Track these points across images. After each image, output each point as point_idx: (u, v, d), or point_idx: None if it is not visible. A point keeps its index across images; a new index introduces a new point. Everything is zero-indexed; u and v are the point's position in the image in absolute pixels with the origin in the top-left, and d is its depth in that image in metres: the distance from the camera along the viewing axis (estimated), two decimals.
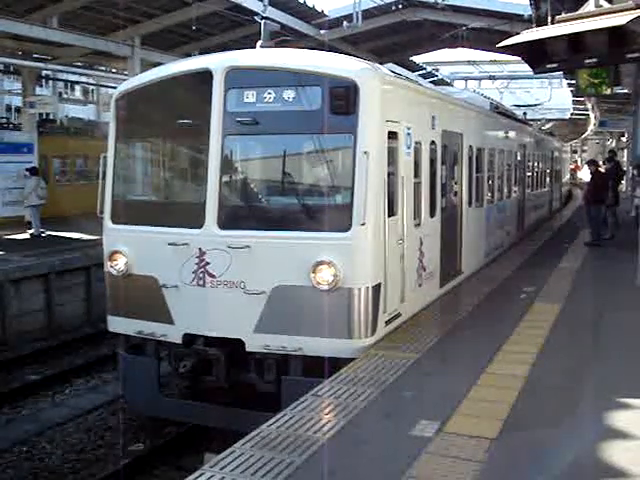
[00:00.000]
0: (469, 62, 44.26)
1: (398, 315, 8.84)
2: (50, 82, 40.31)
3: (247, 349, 8.17)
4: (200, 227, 8.20)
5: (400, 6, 25.04)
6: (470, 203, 12.65)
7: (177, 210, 8.79)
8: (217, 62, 8.34)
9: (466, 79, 48.87)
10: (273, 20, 21.85)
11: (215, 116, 8.17)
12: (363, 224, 7.73)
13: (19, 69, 26.92)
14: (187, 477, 4.86)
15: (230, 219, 8.20)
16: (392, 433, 5.59)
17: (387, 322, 8.49)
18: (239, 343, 8.17)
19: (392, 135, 8.51)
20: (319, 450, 5.19)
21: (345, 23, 23.72)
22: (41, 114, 25.88)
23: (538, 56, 11.86)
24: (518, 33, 12.08)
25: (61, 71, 28.05)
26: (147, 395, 8.83)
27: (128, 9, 21.53)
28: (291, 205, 8.22)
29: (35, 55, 24.76)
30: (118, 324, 9.03)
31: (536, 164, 22.34)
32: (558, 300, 10.55)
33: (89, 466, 8.94)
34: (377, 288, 8.11)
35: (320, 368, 7.95)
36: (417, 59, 37.62)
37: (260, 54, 8.61)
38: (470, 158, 12.62)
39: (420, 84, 10.43)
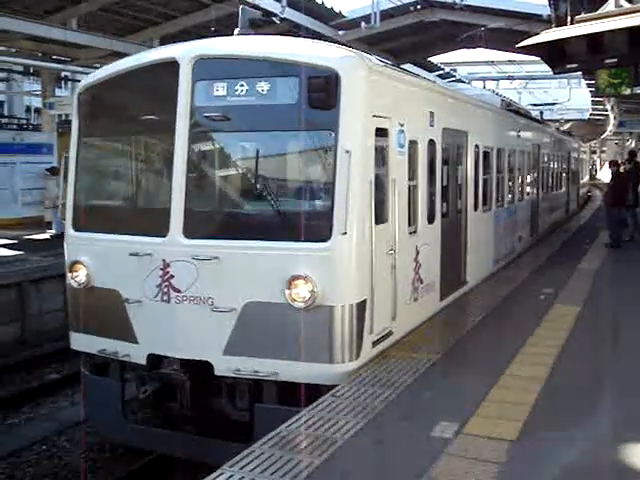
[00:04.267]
0: (487, 62, 43.19)
1: (389, 334, 7.67)
2: (69, 83, 39.84)
3: (216, 373, 7.08)
4: (164, 235, 7.10)
5: (418, 7, 24.37)
6: (476, 207, 11.39)
7: (140, 216, 7.64)
8: (184, 51, 7.18)
9: (484, 79, 47.54)
10: (291, 21, 21.36)
11: (181, 111, 7.04)
12: (344, 233, 6.57)
13: (39, 70, 26.33)
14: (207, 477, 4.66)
15: (197, 227, 7.06)
16: (411, 434, 5.44)
17: (375, 343, 7.31)
18: (208, 366, 7.09)
19: (381, 132, 7.32)
20: (338, 451, 5.07)
21: (363, 24, 23.17)
22: (60, 115, 25.33)
23: (558, 56, 11.96)
24: (537, 33, 11.72)
25: (80, 72, 27.53)
26: (110, 420, 7.75)
27: (147, 11, 21.04)
28: (264, 211, 7.01)
29: (54, 56, 24.10)
30: (80, 341, 7.95)
31: (552, 165, 20.94)
32: (577, 302, 10.18)
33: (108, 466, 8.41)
34: (362, 305, 6.94)
35: (299, 395, 6.87)
36: (435, 59, 36.92)
37: (232, 42, 7.42)
38: (476, 158, 11.34)
39: (417, 75, 9.21)
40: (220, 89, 7.02)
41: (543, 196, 18.94)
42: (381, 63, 7.46)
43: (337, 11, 24.34)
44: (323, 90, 6.60)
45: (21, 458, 8.83)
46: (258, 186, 7.04)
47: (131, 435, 7.64)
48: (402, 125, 7.80)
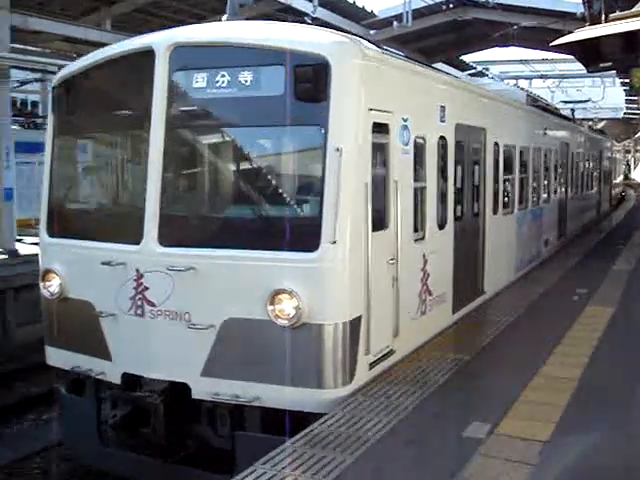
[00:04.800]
0: (520, 61, 42.26)
1: (390, 353, 6.81)
2: None
3: (193, 396, 6.32)
4: (138, 243, 6.36)
5: (450, 5, 23.82)
6: (495, 210, 10.46)
7: (115, 221, 6.93)
8: (160, 38, 6.39)
9: (517, 78, 46.38)
10: (323, 21, 20.92)
11: (157, 106, 6.28)
12: (334, 242, 5.76)
13: None
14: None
15: (173, 233, 6.28)
16: (443, 434, 5.37)
17: (372, 364, 6.47)
18: (185, 388, 6.34)
19: (380, 128, 6.48)
20: (370, 449, 5.02)
21: (395, 23, 22.92)
22: None
23: (592, 55, 12.08)
24: (570, 32, 11.57)
25: None
26: (85, 442, 7.04)
27: (180, 11, 20.85)
28: (244, 217, 6.18)
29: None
30: (55, 356, 7.26)
31: (582, 164, 19.80)
32: (611, 302, 10.01)
33: None
34: (356, 323, 6.11)
35: (285, 423, 6.07)
36: (467, 58, 36.25)
37: (213, 28, 6.64)
38: (496, 157, 10.42)
39: (427, 65, 8.31)
40: (200, 80, 6.25)
41: (572, 197, 17.84)
42: (379, 49, 6.60)
43: (369, 10, 24.15)
44: (311, 80, 5.79)
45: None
46: (238, 188, 6.27)
47: (106, 460, 6.91)
48: (406, 120, 6.94)
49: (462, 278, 8.85)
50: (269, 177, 6.24)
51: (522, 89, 16.70)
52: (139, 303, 6.36)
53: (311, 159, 6.12)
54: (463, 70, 34.59)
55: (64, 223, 7.11)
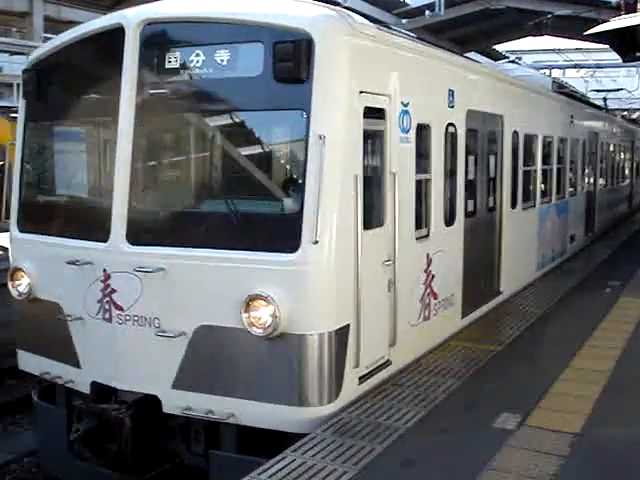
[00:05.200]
0: (553, 50, 41.23)
1: (385, 364, 6.08)
2: None
3: (164, 410, 5.69)
4: (105, 240, 5.74)
5: None
6: (514, 204, 9.61)
7: (83, 217, 6.30)
8: (131, 15, 5.74)
9: (550, 67, 45.06)
10: (354, 10, 20.26)
11: (126, 89, 5.61)
12: (316, 242, 5.06)
13: None
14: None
15: (143, 231, 5.64)
16: (473, 424, 5.35)
17: (363, 378, 5.75)
18: (156, 401, 5.71)
19: (375, 113, 5.72)
20: (400, 439, 5.01)
21: (427, 12, 22.61)
22: None
23: (627, 44, 11.82)
24: (605, 21, 11.44)
25: None
26: (55, 453, 6.46)
27: None
28: (218, 213, 5.49)
29: None
30: (26, 360, 6.69)
31: (613, 155, 18.71)
32: None
33: None
34: (342, 333, 5.39)
35: (264, 442, 5.42)
36: (500, 47, 35.36)
37: (189, 2, 5.96)
38: (515, 147, 9.56)
39: (433, 44, 7.49)
40: (173, 60, 5.57)
41: (602, 189, 16.80)
42: (373, 25, 5.83)
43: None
44: (291, 59, 5.06)
45: None
46: (212, 181, 5.58)
47: (76, 474, 6.32)
48: (406, 105, 6.18)
49: (474, 279, 8.07)
50: (245, 168, 5.53)
51: (550, 77, 15.65)
52: (106, 307, 5.74)
53: (292, 148, 5.40)
54: (496, 59, 33.65)
55: (35, 217, 6.52)
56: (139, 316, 5.60)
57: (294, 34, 5.09)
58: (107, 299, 5.72)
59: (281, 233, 5.20)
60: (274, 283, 5.11)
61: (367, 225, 5.63)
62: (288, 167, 5.45)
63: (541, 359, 7.01)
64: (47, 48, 6.50)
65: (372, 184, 5.79)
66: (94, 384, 5.96)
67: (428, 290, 6.88)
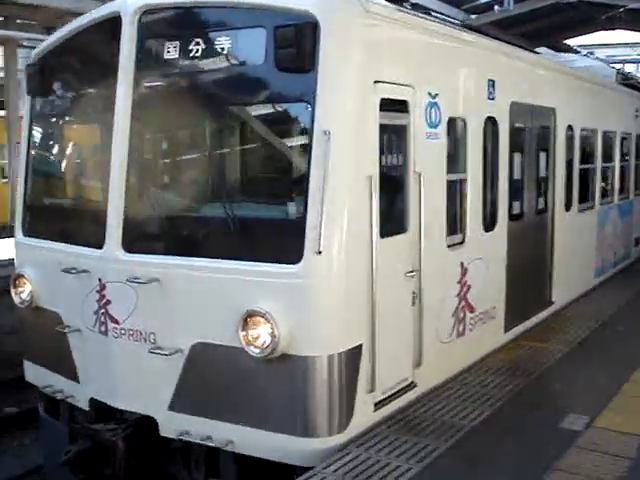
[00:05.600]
0: (627, 45, 39.38)
1: (409, 387, 5.39)
2: None
3: (161, 433, 5.17)
4: (101, 247, 5.27)
5: None
6: (569, 205, 8.69)
7: (81, 221, 5.84)
8: (128, 2, 5.25)
9: (623, 62, 43.04)
10: (422, 6, 19.58)
11: (123, 84, 5.09)
12: (319, 252, 4.42)
13: None
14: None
15: (140, 238, 5.15)
16: (539, 424, 5.22)
17: (380, 404, 5.09)
18: (153, 423, 5.20)
19: (394, 106, 5.04)
20: (464, 437, 4.93)
21: (496, 7, 21.44)
22: None
23: None
24: None
25: None
26: (57, 470, 6.06)
27: None
28: (216, 218, 4.90)
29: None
30: (31, 372, 6.31)
31: None
32: None
33: None
34: (353, 354, 4.73)
35: (266, 472, 4.84)
36: (571, 42, 33.84)
37: None
38: (570, 143, 8.64)
39: (467, 27, 6.70)
40: (172, 50, 5.03)
41: None
42: (391, 5, 5.13)
43: None
44: (294, 44, 4.44)
45: None
46: (210, 183, 5.01)
47: None
48: (435, 97, 5.46)
49: (520, 288, 7.24)
50: (245, 169, 4.96)
51: (614, 69, 14.42)
52: (102, 319, 5.26)
53: (297, 146, 4.76)
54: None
55: (38, 221, 6.12)
56: (134, 330, 5.10)
57: (297, 17, 4.47)
58: (103, 310, 5.25)
59: (282, 242, 4.59)
60: (274, 298, 4.50)
61: (385, 232, 4.95)
62: (292, 167, 4.82)
63: (610, 360, 6.75)
64: (50, 41, 6.07)
65: (392, 186, 5.12)
66: (92, 400, 5.50)
67: (463, 303, 6.13)
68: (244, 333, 4.58)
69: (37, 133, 6.17)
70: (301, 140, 4.57)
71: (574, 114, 8.59)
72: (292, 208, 4.62)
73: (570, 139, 8.53)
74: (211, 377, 4.86)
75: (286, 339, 4.48)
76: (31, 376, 6.29)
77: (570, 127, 8.47)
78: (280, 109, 4.77)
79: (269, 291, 4.52)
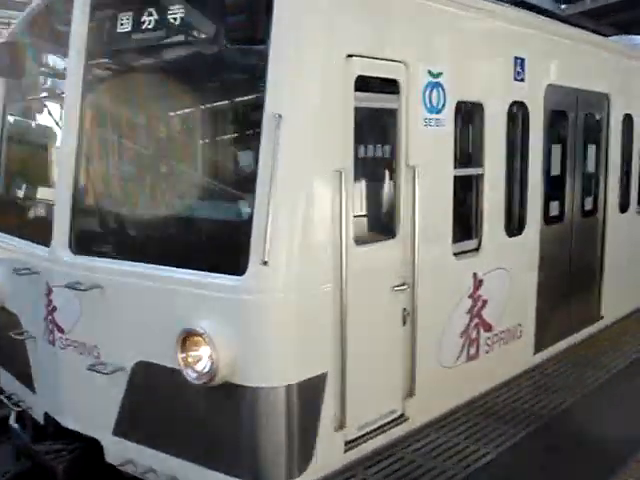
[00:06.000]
0: None
1: (398, 420, 4.53)
2: None
3: (106, 459, 4.52)
4: (48, 245, 4.65)
5: None
6: (624, 206, 7.47)
7: (34, 216, 5.24)
8: None
9: None
10: None
11: (73, 62, 4.46)
12: (265, 262, 3.62)
13: None
14: None
15: (89, 238, 4.50)
16: (622, 416, 5.07)
17: (354, 442, 4.24)
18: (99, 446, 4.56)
19: (380, 86, 4.18)
20: (544, 426, 4.87)
21: None
22: None
23: None
24: None
25: None
26: None
27: None
28: (163, 219, 4.16)
29: None
30: (3, 377, 5.85)
31: None
32: None
33: None
34: (314, 385, 3.90)
35: None
36: None
37: None
38: (627, 135, 7.41)
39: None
40: (125, 22, 4.33)
41: None
42: None
43: None
44: (244, 10, 3.64)
45: None
46: (154, 177, 4.28)
47: None
48: (437, 76, 4.52)
49: (557, 302, 6.20)
50: (195, 162, 4.18)
51: None
52: (50, 327, 4.66)
53: (249, 134, 3.95)
54: None
55: (7, 214, 5.60)
56: (79, 342, 4.47)
57: None
58: (50, 317, 4.64)
59: (226, 249, 3.81)
60: (215, 315, 3.73)
61: (364, 238, 4.09)
62: (242, 160, 4.01)
63: None
64: (22, 17, 5.50)
65: (374, 182, 4.25)
66: (46, 415, 4.92)
67: (476, 320, 5.18)
68: (183, 355, 3.83)
69: (9, 123, 5.63)
70: (254, 127, 3.74)
71: (634, 102, 7.35)
72: (240, 209, 3.82)
73: (628, 130, 7.30)
74: (154, 402, 4.16)
75: (229, 365, 3.70)
76: (2, 381, 5.80)
77: (629, 117, 7.25)
78: (232, 89, 3.97)
79: (210, 307, 3.75)
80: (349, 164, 3.92)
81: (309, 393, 3.85)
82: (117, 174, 4.59)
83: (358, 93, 3.94)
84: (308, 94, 3.68)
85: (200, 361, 3.77)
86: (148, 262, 4.06)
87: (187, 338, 3.80)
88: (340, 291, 3.93)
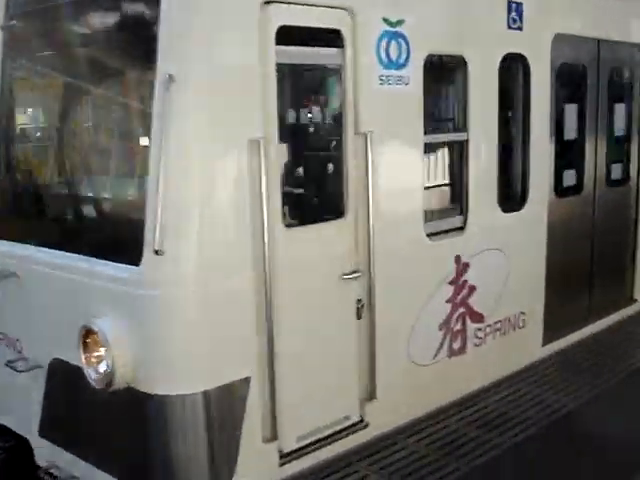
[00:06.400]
0: None
1: (355, 427, 3.92)
2: None
3: (36, 460, 4.13)
4: None
5: None
6: None
7: None
8: None
9: None
10: None
11: None
12: (156, 252, 3.05)
13: None
14: None
15: (8, 219, 4.08)
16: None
17: (294, 453, 3.66)
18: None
19: (316, 38, 3.50)
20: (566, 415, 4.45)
21: None
22: None
23: None
24: None
25: None
26: None
27: None
28: (69, 199, 3.69)
29: None
30: None
31: None
32: None
33: None
34: (231, 393, 3.31)
35: None
36: None
37: None
38: None
39: None
40: None
41: None
42: None
43: None
44: None
45: None
46: (62, 150, 3.76)
47: None
48: (396, 24, 3.78)
49: (575, 286, 5.39)
50: (96, 134, 3.63)
51: None
52: None
53: (143, 98, 3.35)
54: None
55: None
56: (4, 334, 4.06)
57: None
58: None
59: (122, 234, 3.26)
60: (113, 310, 3.21)
61: (298, 219, 3.46)
62: (133, 130, 3.42)
63: None
64: None
65: (313, 153, 3.58)
66: None
67: (460, 310, 4.46)
68: (85, 355, 3.34)
69: None
70: (147, 89, 3.15)
71: None
72: (135, 186, 3.26)
73: None
74: (70, 403, 3.71)
75: (130, 369, 3.18)
76: None
77: None
78: (126, 47, 3.38)
79: (106, 300, 3.23)
80: (272, 132, 3.28)
81: (225, 401, 3.28)
82: (21, 149, 4.10)
83: (282, 47, 3.27)
84: (209, 48, 3.04)
85: (102, 362, 3.27)
86: (59, 248, 3.58)
87: (87, 335, 3.30)
88: (264, 283, 3.32)
